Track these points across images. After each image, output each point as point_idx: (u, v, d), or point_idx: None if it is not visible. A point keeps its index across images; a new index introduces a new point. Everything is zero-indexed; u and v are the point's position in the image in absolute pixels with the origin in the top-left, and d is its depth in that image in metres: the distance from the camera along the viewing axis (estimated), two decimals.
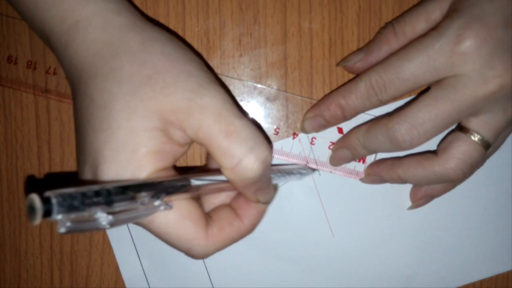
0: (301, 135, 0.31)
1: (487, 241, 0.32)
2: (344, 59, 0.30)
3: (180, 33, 0.31)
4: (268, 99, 0.31)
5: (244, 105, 0.31)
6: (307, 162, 0.31)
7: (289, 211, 0.32)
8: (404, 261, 0.32)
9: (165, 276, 0.32)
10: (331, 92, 0.30)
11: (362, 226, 0.32)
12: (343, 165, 0.31)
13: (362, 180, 0.31)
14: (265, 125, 0.31)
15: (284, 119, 0.31)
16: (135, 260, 0.32)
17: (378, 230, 0.32)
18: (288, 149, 0.31)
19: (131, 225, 0.31)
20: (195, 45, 0.31)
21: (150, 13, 0.31)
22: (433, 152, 0.28)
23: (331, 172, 0.31)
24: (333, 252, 0.32)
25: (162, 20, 0.31)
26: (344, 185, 0.31)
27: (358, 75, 0.28)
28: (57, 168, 0.32)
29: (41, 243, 0.32)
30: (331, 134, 0.31)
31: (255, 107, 0.31)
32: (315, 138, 0.31)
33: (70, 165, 0.32)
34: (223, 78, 0.31)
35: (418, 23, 0.27)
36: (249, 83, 0.31)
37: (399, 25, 0.28)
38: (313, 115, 0.29)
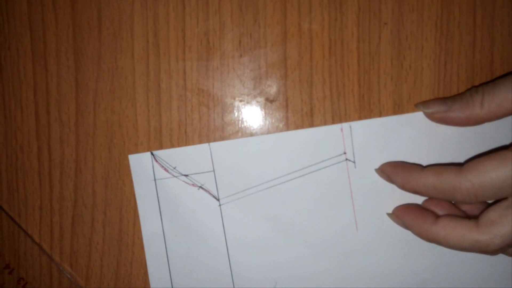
0: (344, 125, 0.31)
1: (506, 259, 0.31)
2: (425, 104, 0.30)
3: (180, 34, 0.31)
4: (268, 99, 0.31)
5: (244, 105, 0.31)
6: (345, 152, 0.31)
7: (318, 197, 0.31)
8: (421, 265, 0.31)
9: (183, 240, 0.32)
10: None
11: (387, 225, 0.31)
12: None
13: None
14: (264, 125, 0.31)
15: (284, 120, 0.31)
16: (157, 219, 0.32)
17: (402, 232, 0.31)
18: (328, 137, 0.31)
19: (159, 185, 0.31)
20: (195, 45, 0.31)
21: (150, 14, 0.31)
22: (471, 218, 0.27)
23: None
24: (353, 245, 0.32)
25: (162, 20, 0.31)
26: (378, 182, 0.31)
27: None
28: (57, 169, 0.32)
29: (40, 244, 0.32)
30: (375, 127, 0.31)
31: (255, 108, 0.31)
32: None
33: (70, 166, 0.32)
34: (223, 79, 0.31)
35: (506, 101, 0.27)
36: (248, 83, 0.31)
37: (489, 96, 0.27)
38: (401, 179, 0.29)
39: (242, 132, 0.31)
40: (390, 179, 0.30)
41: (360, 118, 0.31)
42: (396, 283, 0.32)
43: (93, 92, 0.31)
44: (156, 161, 0.31)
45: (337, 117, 0.31)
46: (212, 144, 0.31)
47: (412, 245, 0.31)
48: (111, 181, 0.32)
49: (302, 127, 0.31)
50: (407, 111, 0.31)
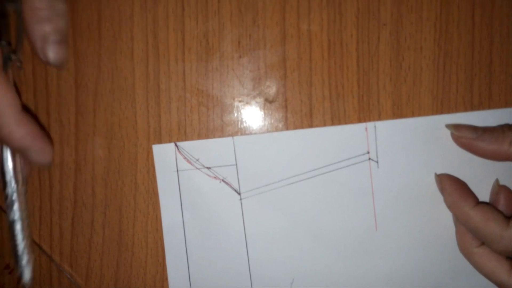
0: (369, 124, 0.31)
1: None
2: (456, 127, 0.30)
3: (179, 35, 0.31)
4: (267, 100, 0.31)
5: (243, 106, 0.31)
6: (368, 152, 0.31)
7: (338, 195, 0.31)
8: (438, 268, 0.31)
9: (202, 231, 0.32)
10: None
11: (407, 226, 0.31)
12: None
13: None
14: (263, 125, 0.31)
15: (284, 120, 0.31)
16: (177, 210, 0.32)
17: (421, 235, 0.31)
18: (352, 135, 0.31)
19: (181, 177, 0.31)
20: (194, 47, 0.31)
21: (149, 16, 0.31)
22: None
23: None
24: (372, 245, 0.32)
25: (161, 22, 0.31)
26: (400, 183, 0.31)
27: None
28: (56, 170, 0.32)
29: (40, 244, 0.32)
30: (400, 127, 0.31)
31: (254, 108, 0.31)
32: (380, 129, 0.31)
33: (69, 166, 0.32)
34: (222, 80, 0.31)
35: None
36: (248, 84, 0.31)
37: None
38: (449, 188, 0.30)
39: (242, 133, 0.31)
40: (441, 192, 0.30)
41: (359, 119, 0.31)
42: (412, 284, 0.32)
43: (93, 93, 0.31)
44: (180, 152, 0.31)
45: (336, 118, 0.31)
46: (235, 137, 0.31)
47: (430, 247, 0.31)
48: (111, 182, 0.32)
49: (302, 127, 0.31)
50: (406, 112, 0.31)
